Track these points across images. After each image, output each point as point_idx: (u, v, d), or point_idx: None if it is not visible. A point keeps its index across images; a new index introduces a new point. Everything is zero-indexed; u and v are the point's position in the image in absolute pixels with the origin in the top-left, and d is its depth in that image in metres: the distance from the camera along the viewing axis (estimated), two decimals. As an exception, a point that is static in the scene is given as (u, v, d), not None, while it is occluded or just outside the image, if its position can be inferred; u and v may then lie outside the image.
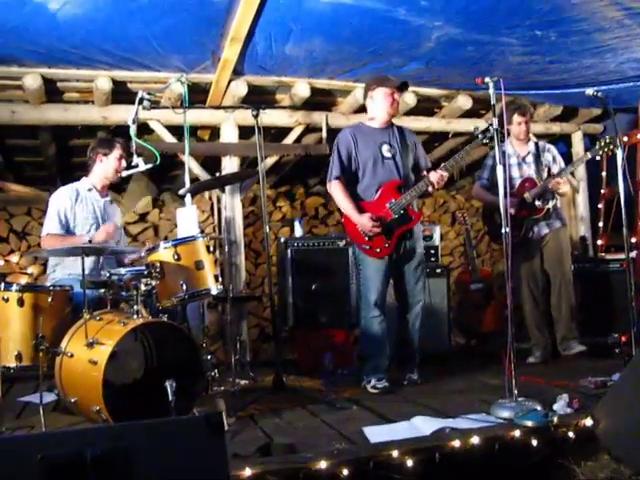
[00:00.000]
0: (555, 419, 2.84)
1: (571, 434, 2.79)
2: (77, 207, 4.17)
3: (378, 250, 4.06)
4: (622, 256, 5.00)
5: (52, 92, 5.00)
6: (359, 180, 4.16)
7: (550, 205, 4.80)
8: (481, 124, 3.78)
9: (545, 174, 4.86)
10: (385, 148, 4.15)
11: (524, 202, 4.76)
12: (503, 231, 3.32)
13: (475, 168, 7.59)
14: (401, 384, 4.14)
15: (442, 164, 4.11)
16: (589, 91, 3.97)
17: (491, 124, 3.52)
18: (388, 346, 4.14)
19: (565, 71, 5.11)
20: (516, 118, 4.85)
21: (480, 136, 3.77)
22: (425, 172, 4.22)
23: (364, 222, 4.00)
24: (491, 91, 3.35)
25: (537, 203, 4.76)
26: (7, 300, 3.33)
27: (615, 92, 5.43)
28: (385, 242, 4.05)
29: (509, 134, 4.87)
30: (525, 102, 4.89)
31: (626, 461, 2.62)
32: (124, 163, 4.26)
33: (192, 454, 1.92)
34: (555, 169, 4.90)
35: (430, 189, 4.09)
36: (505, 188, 3.35)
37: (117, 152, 4.25)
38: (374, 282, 4.08)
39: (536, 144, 4.99)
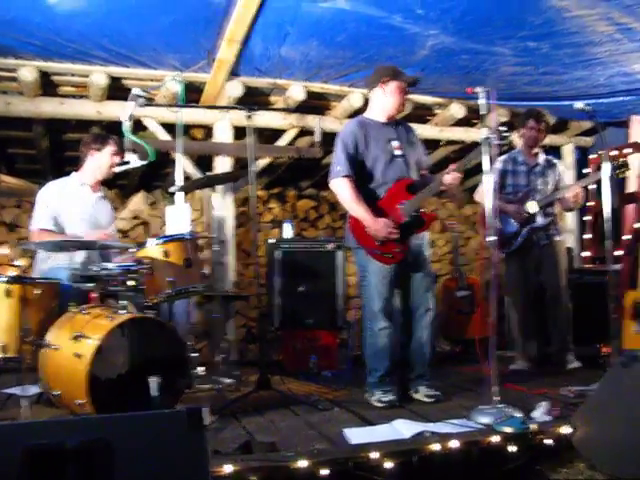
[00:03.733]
0: (534, 426, 2.87)
1: (549, 441, 2.82)
2: (66, 202, 4.13)
3: (390, 256, 3.70)
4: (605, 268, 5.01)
5: (47, 85, 5.02)
6: (367, 178, 3.80)
7: (551, 218, 4.80)
8: (475, 137, 3.71)
9: (551, 187, 4.84)
10: (394, 144, 3.83)
11: (527, 211, 4.72)
12: (487, 239, 3.33)
13: (466, 177, 7.66)
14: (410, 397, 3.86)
15: (451, 166, 3.71)
16: (578, 104, 4.00)
17: (502, 124, 3.39)
18: (393, 357, 3.79)
19: (557, 83, 5.19)
20: (530, 123, 4.79)
21: (491, 138, 3.41)
22: (426, 172, 4.00)
23: (380, 227, 3.63)
24: (481, 101, 3.37)
25: (540, 214, 4.72)
26: (-5, 291, 3.34)
27: (605, 106, 5.51)
28: (397, 247, 3.69)
29: (520, 139, 4.92)
30: (544, 113, 4.84)
31: (600, 468, 2.66)
32: (117, 159, 4.22)
33: (173, 448, 1.94)
34: (561, 184, 4.89)
35: (442, 188, 3.74)
36: (494, 194, 3.36)
37: (110, 148, 4.22)
38: (380, 291, 3.72)
39: (546, 159, 4.94)
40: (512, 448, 2.75)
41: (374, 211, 3.70)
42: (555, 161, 5.01)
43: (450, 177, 3.65)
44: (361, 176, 3.78)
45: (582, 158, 6.84)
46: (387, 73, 3.82)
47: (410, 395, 3.85)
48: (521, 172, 4.86)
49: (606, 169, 4.00)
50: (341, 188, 3.74)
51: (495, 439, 2.78)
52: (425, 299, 3.86)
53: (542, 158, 4.92)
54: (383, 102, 3.86)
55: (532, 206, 4.71)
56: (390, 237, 3.64)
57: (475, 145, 3.62)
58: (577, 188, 4.63)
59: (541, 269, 4.85)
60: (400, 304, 3.94)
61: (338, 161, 3.75)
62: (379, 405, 3.64)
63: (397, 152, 3.82)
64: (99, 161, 4.22)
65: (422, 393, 3.81)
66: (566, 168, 6.33)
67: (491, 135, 3.36)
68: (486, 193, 3.39)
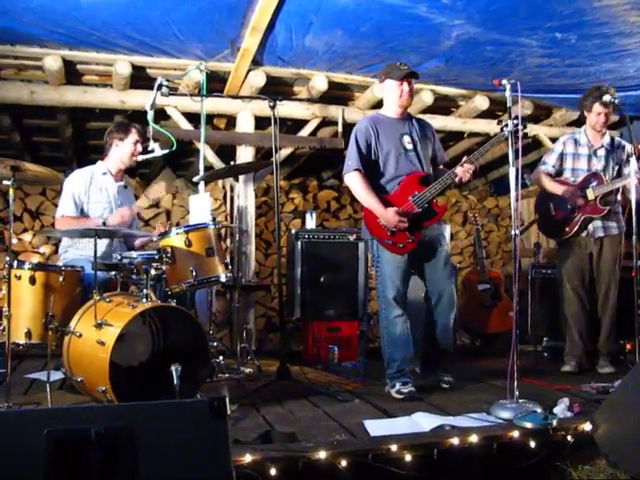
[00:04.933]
0: (554, 422, 2.84)
1: (570, 438, 2.80)
2: (91, 191, 4.19)
3: (401, 246, 3.80)
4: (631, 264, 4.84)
5: (72, 74, 5.05)
6: (380, 172, 3.90)
7: (612, 206, 4.43)
8: (499, 129, 3.62)
9: (614, 172, 4.51)
10: (406, 139, 3.92)
11: (585, 198, 4.41)
12: (512, 233, 3.30)
13: (490, 169, 7.61)
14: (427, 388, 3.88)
15: (465, 157, 3.84)
16: (606, 97, 3.95)
17: (515, 117, 3.33)
18: (412, 346, 3.85)
19: (583, 75, 5.10)
20: (597, 107, 4.40)
21: (505, 129, 3.46)
22: (442, 166, 4.09)
23: (389, 217, 3.73)
24: (507, 93, 3.34)
25: (599, 202, 4.38)
26: (19, 278, 3.38)
27: (633, 98, 5.41)
28: (408, 237, 3.79)
29: (584, 122, 4.62)
30: (611, 91, 4.32)
31: (623, 466, 2.63)
32: (139, 148, 4.27)
33: (195, 437, 1.95)
34: (626, 170, 4.44)
35: (456, 180, 3.82)
36: (517, 187, 3.31)
37: (133, 137, 4.26)
38: (393, 279, 3.81)
39: (612, 138, 4.60)
40: (532, 444, 2.74)
41: (387, 203, 3.79)
42: (623, 143, 4.62)
43: (463, 169, 3.76)
44: (374, 170, 3.90)
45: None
46: (383, 71, 3.98)
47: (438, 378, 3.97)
48: (582, 155, 4.53)
49: (633, 163, 3.94)
50: (353, 181, 3.86)
51: (515, 434, 2.76)
52: (448, 287, 3.94)
53: (607, 140, 4.55)
54: (387, 99, 4.00)
55: (590, 193, 4.40)
56: (400, 226, 3.73)
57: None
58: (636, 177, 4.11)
59: (595, 263, 4.50)
60: (423, 293, 4.04)
61: (349, 156, 3.89)
62: (399, 397, 3.66)
63: (409, 146, 3.92)
64: (122, 150, 4.27)
65: (445, 380, 3.93)
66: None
67: (506, 127, 3.39)
68: (511, 184, 3.33)
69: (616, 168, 4.52)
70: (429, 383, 3.95)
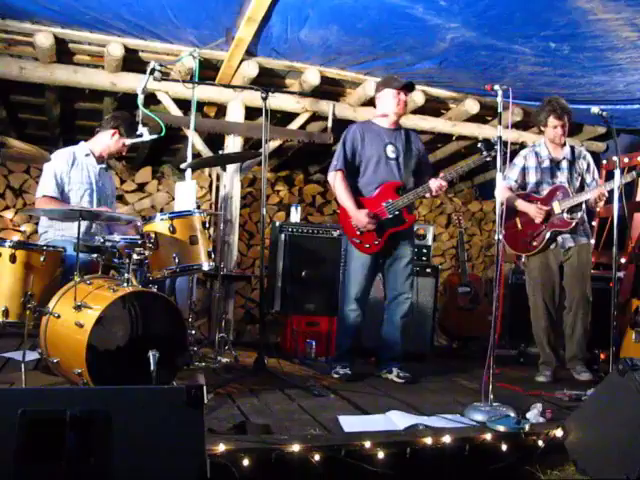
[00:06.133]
0: (527, 427, 2.87)
1: (540, 443, 2.83)
2: (73, 171, 4.15)
3: (367, 246, 4.13)
4: (609, 275, 4.83)
5: (63, 52, 4.99)
6: (360, 175, 4.23)
7: (578, 218, 4.43)
8: (487, 133, 3.73)
9: (578, 183, 4.53)
10: (390, 149, 4.21)
11: (552, 211, 4.43)
12: (496, 237, 3.33)
13: (475, 173, 7.65)
14: (381, 378, 4.21)
15: (442, 173, 4.16)
16: (595, 109, 3.97)
17: (497, 140, 3.37)
18: (354, 338, 4.26)
19: (574, 86, 5.14)
20: (551, 121, 4.44)
21: (485, 153, 3.80)
22: (426, 178, 4.22)
23: (360, 217, 4.06)
24: (499, 99, 3.37)
25: (565, 215, 4.40)
26: (-1, 255, 3.35)
27: (621, 112, 5.47)
28: (375, 239, 4.12)
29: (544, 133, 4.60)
30: (563, 103, 4.43)
31: (590, 473, 2.67)
32: (124, 149, 4.36)
33: (170, 424, 1.95)
34: (588, 178, 4.54)
35: (428, 195, 4.19)
36: (501, 196, 3.35)
37: (123, 140, 4.28)
38: (358, 276, 4.17)
39: (572, 148, 4.60)
40: (504, 447, 2.76)
41: (361, 205, 4.14)
42: (584, 152, 4.66)
43: (436, 185, 4.07)
44: (356, 173, 4.25)
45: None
46: (380, 83, 4.32)
47: (382, 375, 4.24)
48: (545, 168, 4.54)
49: (618, 176, 3.98)
50: (334, 180, 4.21)
51: (488, 437, 2.79)
52: (405, 287, 4.25)
53: (568, 150, 4.57)
54: (381, 108, 4.28)
55: (556, 207, 4.42)
56: (368, 228, 4.07)
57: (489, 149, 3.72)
58: (602, 190, 4.29)
59: (565, 273, 4.51)
60: (383, 292, 4.41)
61: (336, 157, 4.22)
62: (336, 376, 4.10)
63: (392, 155, 4.22)
64: (115, 144, 4.27)
65: (395, 374, 4.16)
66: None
67: (487, 152, 3.77)
68: (496, 191, 3.37)
69: (579, 179, 4.55)
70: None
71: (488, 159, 3.83)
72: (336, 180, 4.18)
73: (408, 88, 4.21)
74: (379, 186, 4.17)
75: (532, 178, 4.57)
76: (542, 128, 4.57)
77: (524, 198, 4.53)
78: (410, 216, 4.24)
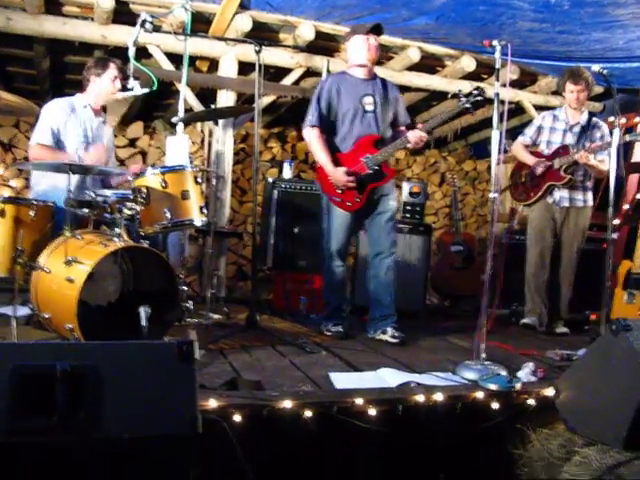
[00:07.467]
0: (518, 385, 2.89)
1: (531, 401, 2.85)
2: (70, 122, 4.07)
3: (349, 204, 4.02)
4: (603, 236, 4.92)
5: (51, 3, 4.85)
6: (336, 130, 4.08)
7: (575, 178, 4.67)
8: (468, 87, 3.66)
9: (584, 148, 4.64)
10: (367, 100, 4.04)
11: (551, 167, 4.69)
12: (491, 196, 3.29)
13: (470, 131, 7.59)
14: (371, 337, 4.11)
15: (421, 124, 4.03)
16: (595, 67, 3.91)
17: (476, 88, 3.50)
18: (346, 294, 4.30)
19: (573, 43, 5.07)
20: (568, 86, 4.69)
21: (463, 99, 3.68)
22: (403, 128, 4.18)
23: (338, 176, 3.94)
24: (497, 55, 3.29)
25: (562, 171, 4.63)
26: (-11, 210, 3.30)
27: (619, 71, 5.40)
28: (356, 196, 4.00)
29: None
30: (582, 70, 4.64)
31: (580, 432, 2.70)
32: (118, 84, 4.14)
33: (161, 379, 1.95)
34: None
35: (409, 146, 4.00)
36: (499, 154, 3.31)
37: (111, 73, 4.13)
38: (339, 234, 4.07)
39: (590, 118, 4.81)
40: (495, 405, 2.78)
41: (339, 162, 4.00)
42: (600, 123, 4.84)
43: (416, 136, 3.89)
44: (331, 128, 4.08)
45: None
46: (349, 31, 4.17)
47: (375, 337, 4.07)
48: (558, 130, 4.81)
49: (617, 135, 3.95)
50: (309, 136, 4.06)
51: (479, 395, 2.80)
52: (388, 243, 4.13)
53: (585, 118, 4.79)
54: (352, 57, 4.11)
55: (556, 162, 4.67)
56: (348, 186, 3.95)
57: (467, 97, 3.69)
58: (588, 154, 4.47)
59: (559, 231, 4.79)
60: (367, 249, 4.33)
61: (310, 111, 4.05)
62: (328, 334, 4.07)
63: (369, 108, 4.05)
64: (100, 86, 4.15)
65: (389, 334, 4.01)
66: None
67: (463, 94, 3.67)
68: (492, 148, 3.33)
69: (587, 145, 4.67)
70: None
71: (467, 106, 3.67)
72: (311, 137, 4.03)
73: (376, 31, 4.00)
74: (356, 141, 4.02)
75: (544, 137, 4.87)
76: (563, 93, 4.84)
77: (531, 153, 4.86)
78: (390, 170, 4.16)
